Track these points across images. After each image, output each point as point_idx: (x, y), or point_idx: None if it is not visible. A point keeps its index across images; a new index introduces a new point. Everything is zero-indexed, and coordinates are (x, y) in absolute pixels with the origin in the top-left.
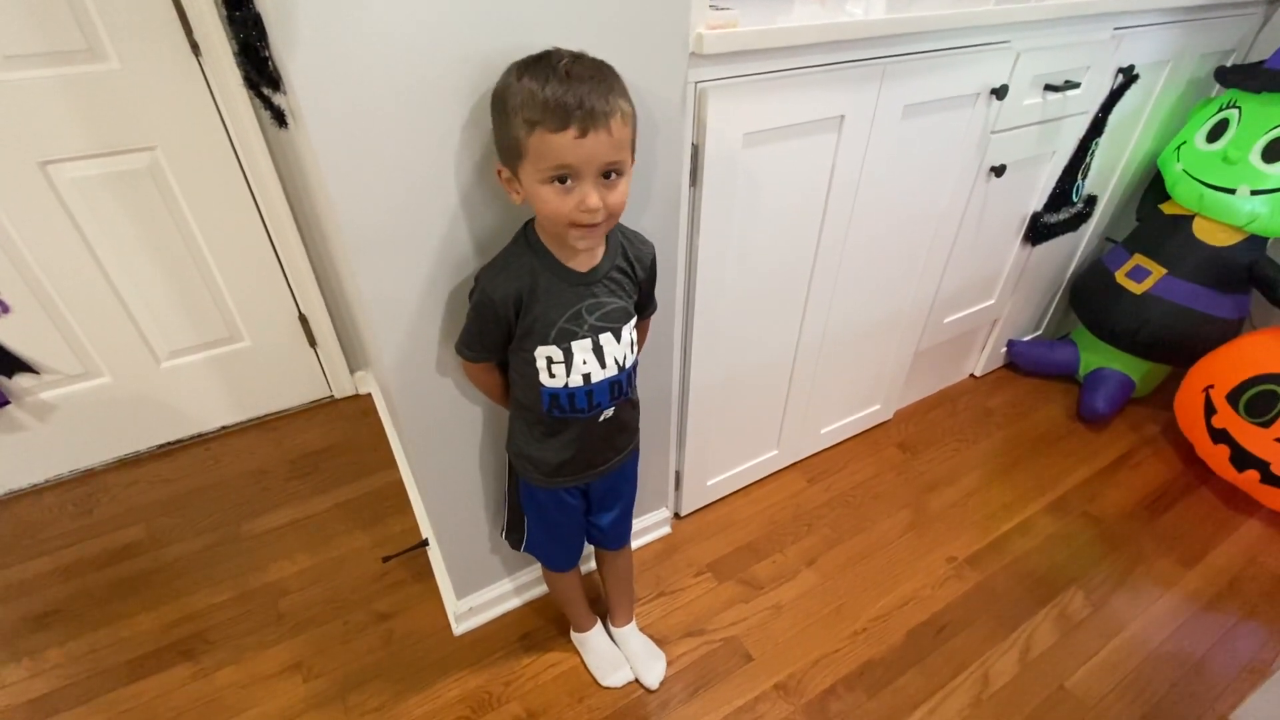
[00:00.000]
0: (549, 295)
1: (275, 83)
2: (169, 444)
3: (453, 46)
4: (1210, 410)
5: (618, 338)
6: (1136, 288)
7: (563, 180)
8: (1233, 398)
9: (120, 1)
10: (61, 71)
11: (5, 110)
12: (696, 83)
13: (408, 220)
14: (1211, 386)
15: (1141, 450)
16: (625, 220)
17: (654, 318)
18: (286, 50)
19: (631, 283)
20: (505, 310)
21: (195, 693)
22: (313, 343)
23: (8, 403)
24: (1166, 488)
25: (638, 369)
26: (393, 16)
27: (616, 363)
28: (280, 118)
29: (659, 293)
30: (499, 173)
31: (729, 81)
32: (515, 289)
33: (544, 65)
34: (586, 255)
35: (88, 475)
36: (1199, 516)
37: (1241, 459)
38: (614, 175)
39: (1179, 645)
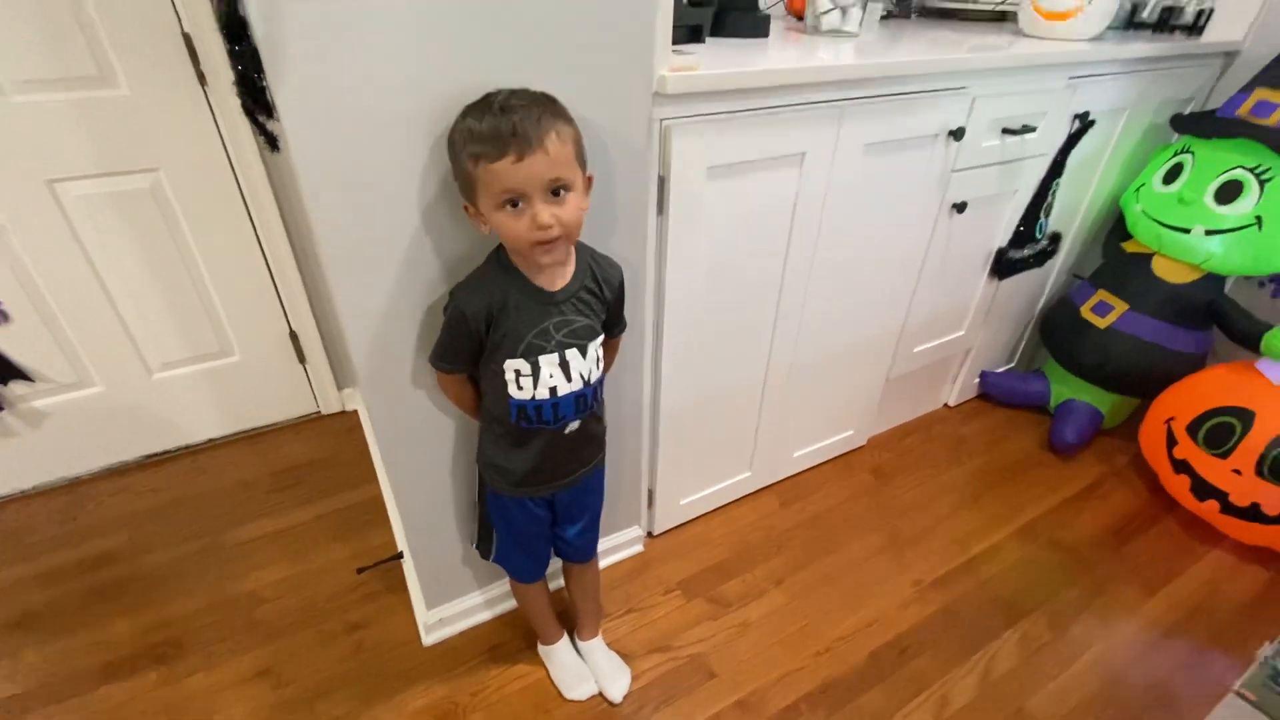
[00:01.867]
0: (519, 312)
1: (270, 110)
2: (156, 454)
3: (427, 86)
4: (1172, 441)
5: (584, 354)
6: (1101, 322)
7: (514, 204)
8: (1192, 429)
9: (133, 33)
10: (73, 96)
11: (18, 130)
12: (661, 120)
13: (379, 240)
14: (1173, 418)
15: (1109, 480)
16: (595, 245)
17: (624, 338)
18: (278, 81)
19: (599, 303)
20: (476, 324)
21: (163, 697)
22: (302, 359)
23: (1, 409)
24: (1132, 517)
25: (605, 387)
26: (372, 58)
27: (582, 377)
28: (273, 142)
29: (629, 313)
30: (466, 209)
31: (692, 120)
32: (486, 305)
33: (482, 104)
34: (555, 274)
35: (74, 483)
36: (1163, 545)
37: (1202, 489)
38: (562, 191)
39: (1140, 670)
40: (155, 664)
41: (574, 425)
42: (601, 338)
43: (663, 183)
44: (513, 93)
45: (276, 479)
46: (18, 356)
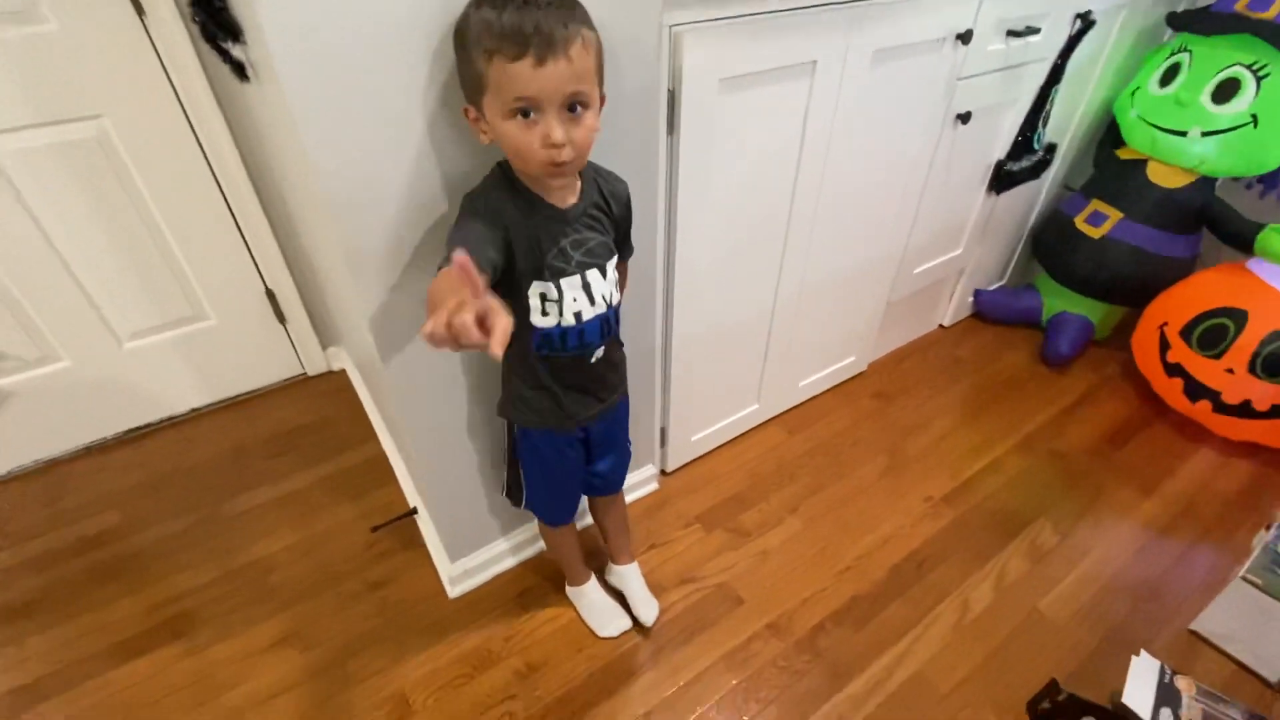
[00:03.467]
0: (533, 229)
1: (234, 33)
2: (137, 429)
3: None
4: (1165, 346)
5: (604, 274)
6: (1095, 232)
7: (525, 114)
8: (1185, 333)
9: None
10: None
11: None
12: (671, 26)
13: (380, 167)
14: (1166, 324)
15: (1102, 389)
16: (609, 167)
17: (637, 269)
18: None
19: (609, 219)
20: (496, 218)
21: (190, 669)
22: (282, 319)
23: None
24: (1125, 423)
25: (621, 317)
26: None
27: (604, 299)
28: (241, 70)
29: (640, 239)
30: (465, 112)
31: (704, 25)
32: (499, 205)
33: None
34: (563, 192)
35: (52, 465)
36: (1156, 448)
37: (1194, 390)
38: (579, 108)
39: (1141, 567)
40: (172, 638)
41: (599, 352)
42: (616, 258)
43: (673, 97)
44: None
45: (269, 445)
46: None
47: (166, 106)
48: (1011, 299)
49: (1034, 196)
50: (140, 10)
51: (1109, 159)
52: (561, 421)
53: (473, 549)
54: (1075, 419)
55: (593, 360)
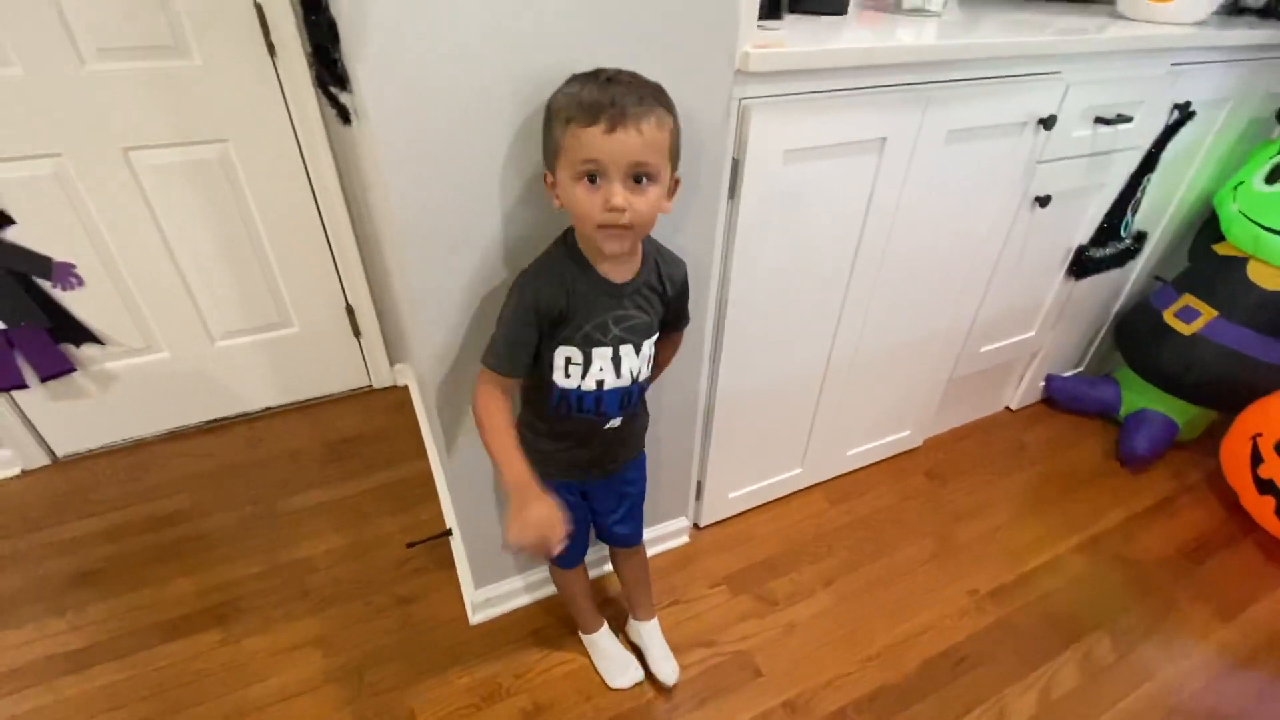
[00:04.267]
0: (583, 301)
1: (343, 82)
2: (215, 420)
3: (508, 60)
4: (1257, 459)
5: (637, 351)
6: (1185, 329)
7: (592, 179)
8: None
9: (207, 3)
10: (149, 65)
11: (96, 98)
12: (740, 99)
13: (454, 218)
14: (1260, 435)
15: (1182, 496)
16: (663, 229)
17: (686, 329)
18: (356, 53)
19: (659, 299)
20: (546, 312)
21: (223, 657)
22: (357, 333)
23: (75, 370)
24: (1207, 537)
25: (663, 378)
26: (454, 29)
27: (631, 374)
28: (345, 115)
29: (693, 296)
30: (545, 178)
31: (772, 99)
32: (553, 294)
33: (592, 74)
34: (622, 266)
35: (139, 445)
36: (1240, 569)
37: None
38: (644, 180)
39: (1210, 701)
40: (215, 624)
41: (615, 422)
42: (656, 336)
43: (736, 165)
44: (621, 70)
45: (329, 450)
46: (91, 320)
47: (284, 136)
48: (1087, 388)
49: (1119, 285)
50: (273, 51)
51: (1205, 253)
52: (563, 474)
53: (496, 579)
54: (1149, 525)
55: (605, 428)
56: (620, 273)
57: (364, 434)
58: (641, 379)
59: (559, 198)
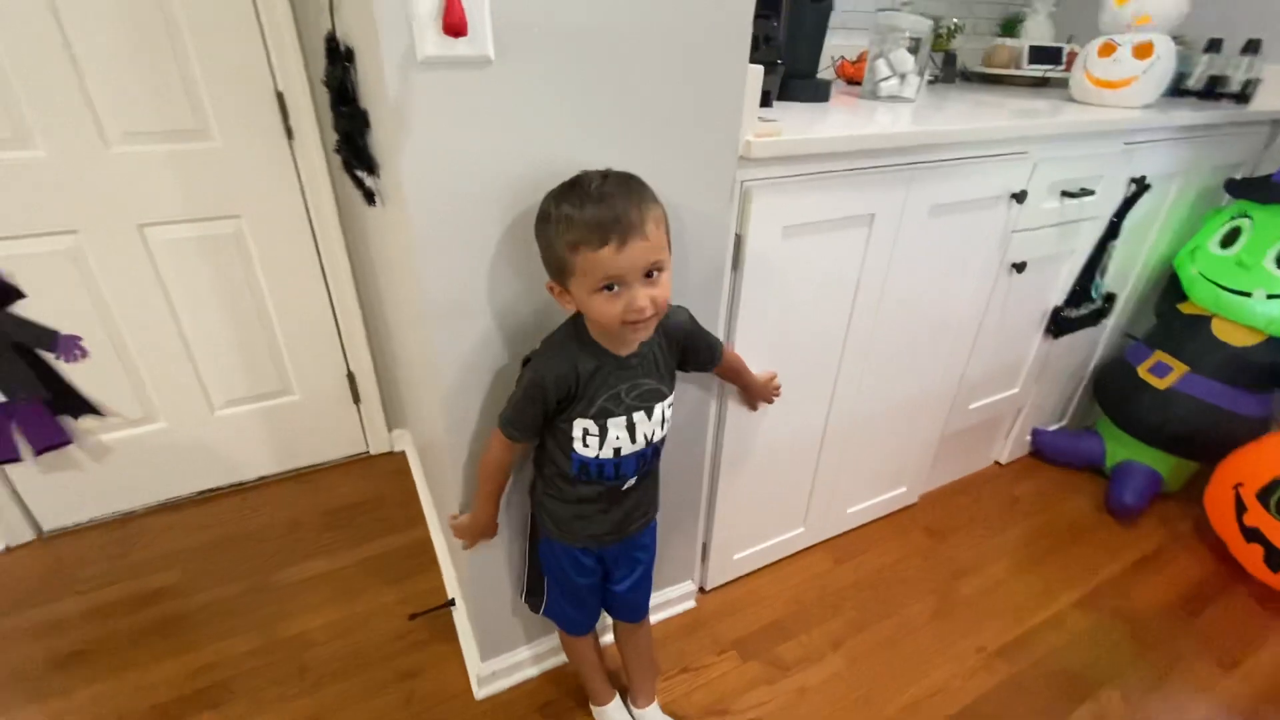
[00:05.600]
0: (594, 379)
1: (371, 168)
2: (209, 490)
3: (532, 155)
4: (1241, 508)
5: (649, 415)
6: (1159, 383)
7: (610, 288)
8: (1263, 496)
9: (230, 89)
10: (170, 147)
11: (116, 178)
12: (743, 181)
13: (476, 295)
14: (1241, 484)
15: (1173, 546)
16: (675, 297)
17: (691, 394)
18: (395, 147)
19: (668, 356)
20: (554, 393)
21: None
22: (357, 399)
23: (70, 442)
24: (1201, 586)
25: (670, 445)
26: (484, 125)
27: (646, 438)
28: (370, 197)
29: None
30: (550, 289)
31: (772, 181)
32: (564, 374)
33: (577, 190)
34: (628, 343)
35: (128, 517)
36: (1236, 617)
37: (1276, 560)
38: (655, 273)
39: None
40: (206, 708)
41: (631, 482)
42: (669, 399)
43: (739, 240)
44: (604, 177)
45: (326, 519)
46: (92, 392)
47: (296, 213)
48: (1072, 441)
49: (1094, 342)
50: (290, 135)
51: (1171, 312)
52: (583, 541)
53: (503, 650)
54: (1145, 577)
55: (624, 489)
56: (627, 348)
57: (362, 501)
58: (656, 440)
59: (571, 303)
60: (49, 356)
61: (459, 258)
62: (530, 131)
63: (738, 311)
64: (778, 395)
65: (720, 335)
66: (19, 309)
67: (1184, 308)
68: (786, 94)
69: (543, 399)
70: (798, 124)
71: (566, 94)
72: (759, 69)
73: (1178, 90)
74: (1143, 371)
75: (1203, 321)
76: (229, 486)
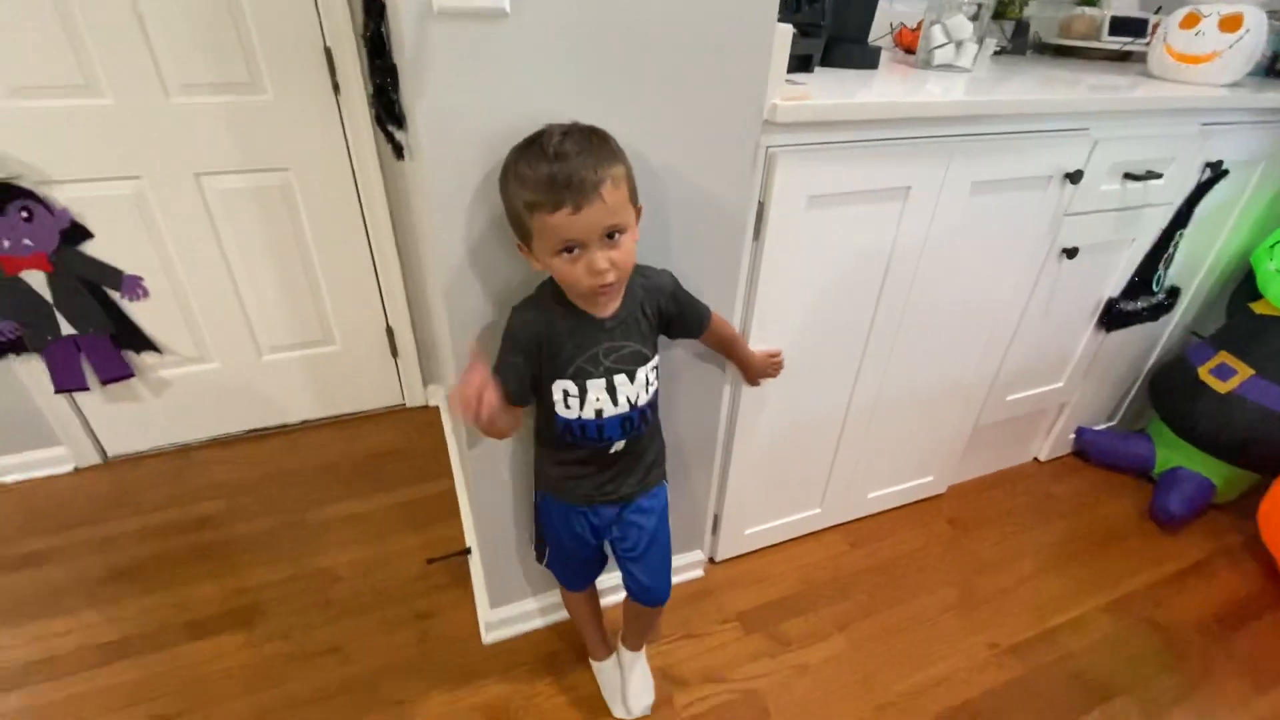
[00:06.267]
0: (570, 338)
1: (400, 121)
2: (256, 430)
3: (551, 108)
4: None
5: (632, 379)
6: (1221, 387)
7: (570, 250)
8: None
9: (282, 44)
10: (225, 100)
11: (176, 127)
12: (767, 147)
13: (492, 248)
14: None
15: (1218, 559)
16: (690, 266)
17: (704, 362)
18: (415, 97)
19: (649, 324)
20: (530, 346)
21: (245, 659)
22: (395, 353)
23: (133, 375)
24: (1244, 603)
25: (682, 410)
26: (503, 78)
27: (629, 401)
28: (399, 151)
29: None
30: (519, 248)
31: (798, 148)
32: (537, 330)
33: (535, 147)
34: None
35: (185, 449)
36: (1278, 639)
37: None
38: (617, 235)
39: None
40: (240, 626)
41: (619, 445)
42: (653, 362)
43: (762, 208)
44: (565, 134)
45: (359, 465)
46: (152, 329)
47: (341, 167)
48: (1120, 443)
49: (1153, 339)
50: (337, 90)
51: (1243, 311)
52: (572, 499)
53: (511, 599)
54: (1182, 588)
55: (611, 452)
56: (605, 309)
57: (394, 450)
58: (640, 404)
59: (537, 263)
60: (114, 294)
61: (475, 211)
62: (543, 86)
63: (757, 283)
64: (777, 372)
65: (738, 307)
66: (88, 248)
67: (1257, 307)
68: (831, 59)
69: (516, 348)
70: (835, 90)
71: (581, 49)
72: (788, 28)
73: (1270, 70)
74: (1204, 373)
75: (1276, 323)
76: (275, 427)
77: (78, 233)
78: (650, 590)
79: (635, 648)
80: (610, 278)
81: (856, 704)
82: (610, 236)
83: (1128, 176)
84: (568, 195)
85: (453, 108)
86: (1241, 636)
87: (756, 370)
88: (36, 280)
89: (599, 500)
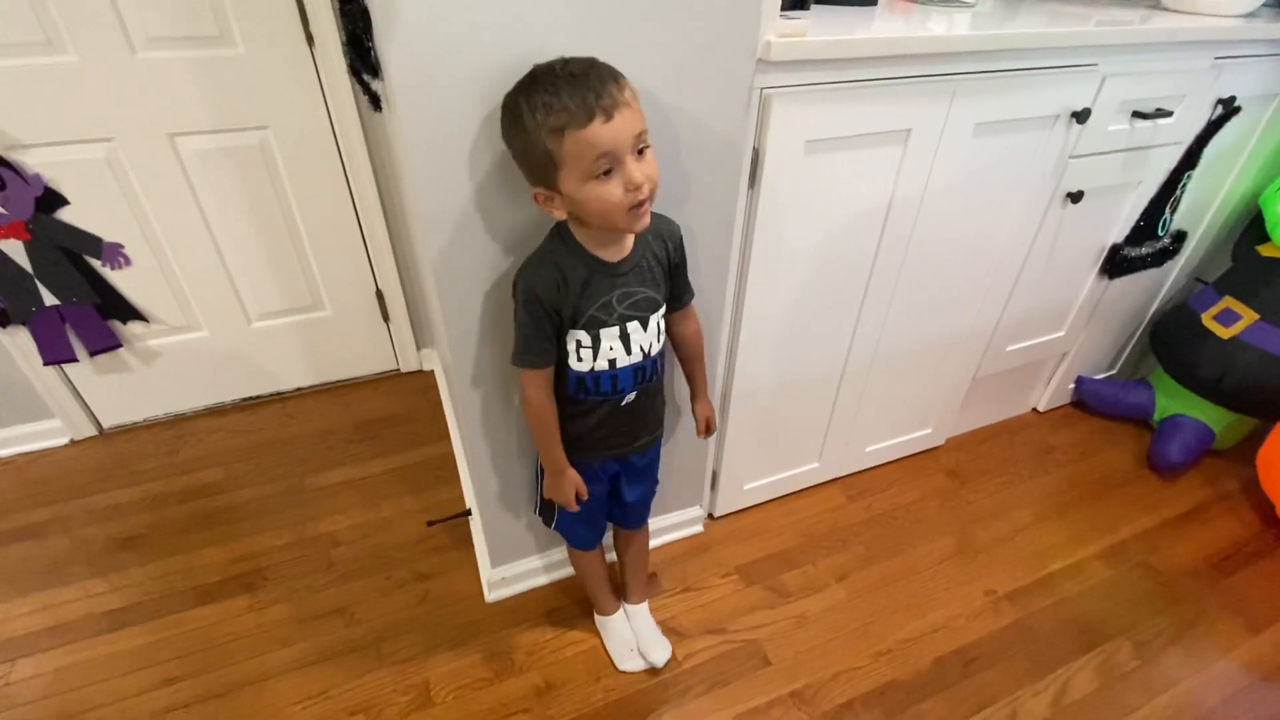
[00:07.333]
0: (583, 286)
1: (375, 70)
2: (250, 398)
3: (528, 47)
4: None
5: (644, 326)
6: (1224, 332)
7: (607, 172)
8: None
9: None
10: (194, 54)
11: (144, 85)
12: (762, 89)
13: (475, 201)
14: None
15: (1215, 505)
16: (682, 216)
17: (703, 316)
18: (386, 39)
19: (662, 269)
20: (550, 297)
21: (250, 623)
22: (386, 317)
23: (121, 345)
24: (1239, 547)
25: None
26: (478, 14)
27: (642, 350)
28: (376, 102)
29: (709, 284)
30: (535, 197)
31: (794, 89)
32: (553, 278)
33: (545, 78)
34: (617, 246)
35: (179, 419)
36: (1272, 582)
37: None
38: (644, 148)
39: (1235, 712)
40: (243, 591)
41: (631, 397)
42: (663, 310)
43: (757, 154)
44: (566, 61)
45: (356, 430)
46: (137, 298)
47: (320, 124)
48: (1119, 392)
49: (1156, 285)
50: (311, 41)
51: (1249, 255)
52: (585, 455)
53: (512, 558)
54: (1178, 534)
55: (623, 404)
56: (616, 252)
57: (391, 415)
58: (653, 353)
59: (560, 208)
60: (95, 263)
61: (451, 155)
62: (523, 21)
63: (753, 233)
64: (704, 435)
65: (734, 258)
66: (65, 215)
67: (1264, 250)
68: None
69: (543, 311)
70: (832, 27)
71: None
72: None
73: None
74: (1207, 319)
75: None
76: (269, 395)
77: (53, 199)
78: (640, 515)
79: (640, 598)
80: (645, 191)
81: (856, 650)
82: (639, 152)
83: (1136, 115)
84: (598, 104)
85: (429, 50)
86: (1236, 580)
87: (697, 404)
88: (15, 250)
89: (613, 455)
